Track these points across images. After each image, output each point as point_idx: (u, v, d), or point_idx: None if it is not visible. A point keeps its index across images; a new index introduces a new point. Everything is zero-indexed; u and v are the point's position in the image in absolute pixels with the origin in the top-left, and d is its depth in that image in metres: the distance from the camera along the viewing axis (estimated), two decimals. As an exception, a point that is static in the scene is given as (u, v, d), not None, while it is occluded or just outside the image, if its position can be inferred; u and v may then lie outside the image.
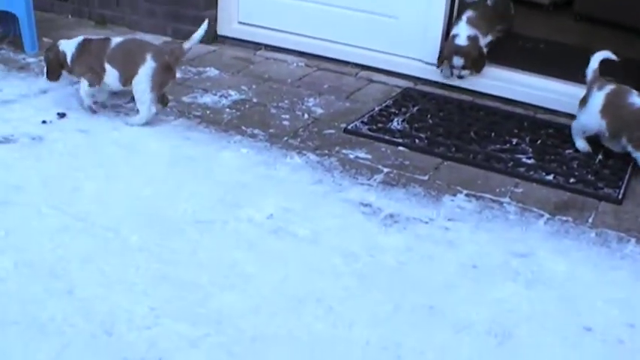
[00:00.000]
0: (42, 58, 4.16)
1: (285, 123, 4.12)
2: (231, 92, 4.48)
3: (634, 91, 3.81)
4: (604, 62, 3.96)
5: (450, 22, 4.77)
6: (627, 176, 3.78)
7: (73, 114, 3.99)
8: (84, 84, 3.94)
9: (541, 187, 3.65)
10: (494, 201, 3.48)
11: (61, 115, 3.95)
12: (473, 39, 4.58)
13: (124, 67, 3.83)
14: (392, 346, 2.50)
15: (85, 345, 2.39)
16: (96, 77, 3.90)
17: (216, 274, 2.79)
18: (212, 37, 5.27)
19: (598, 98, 3.84)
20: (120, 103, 4.12)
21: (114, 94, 4.09)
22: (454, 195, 3.50)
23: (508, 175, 3.73)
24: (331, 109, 4.36)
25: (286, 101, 4.42)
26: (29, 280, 2.67)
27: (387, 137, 4.02)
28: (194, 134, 3.89)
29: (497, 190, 3.58)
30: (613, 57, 3.95)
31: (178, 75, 4.54)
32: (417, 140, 4.01)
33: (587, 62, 4.00)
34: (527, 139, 4.13)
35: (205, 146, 3.77)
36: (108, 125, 3.91)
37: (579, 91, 4.12)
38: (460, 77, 4.65)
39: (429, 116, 4.34)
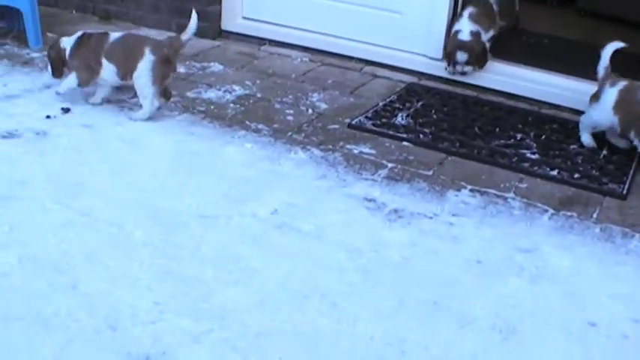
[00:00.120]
0: (46, 53, 4.16)
1: (290, 118, 4.11)
2: (236, 87, 4.47)
3: None
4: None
5: (454, 18, 4.77)
6: (632, 171, 3.78)
7: (77, 109, 3.99)
8: (72, 79, 3.96)
9: (545, 183, 3.64)
10: (498, 196, 3.47)
11: (65, 110, 3.95)
12: (476, 34, 4.59)
13: (123, 61, 3.85)
14: (396, 342, 2.49)
15: (89, 340, 2.39)
16: (88, 76, 3.93)
17: (221, 269, 2.79)
18: (216, 32, 5.27)
19: (611, 94, 3.82)
20: (124, 98, 4.12)
21: (117, 89, 4.09)
22: (458, 190, 3.50)
23: (512, 171, 3.73)
24: (335, 105, 4.36)
25: (290, 96, 4.42)
26: (33, 275, 2.67)
27: (391, 132, 4.02)
28: (198, 129, 3.89)
29: (502, 185, 3.58)
30: (622, 45, 3.91)
31: (182, 70, 4.56)
32: (421, 135, 4.01)
33: (590, 57, 3.99)
34: (532, 134, 4.12)
35: (209, 141, 3.77)
36: (112, 120, 3.91)
37: (583, 86, 4.11)
38: (463, 73, 4.65)
39: (433, 111, 4.33)
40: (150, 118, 3.90)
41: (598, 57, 3.92)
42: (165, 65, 3.84)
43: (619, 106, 3.79)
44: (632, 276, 2.96)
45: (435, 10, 4.76)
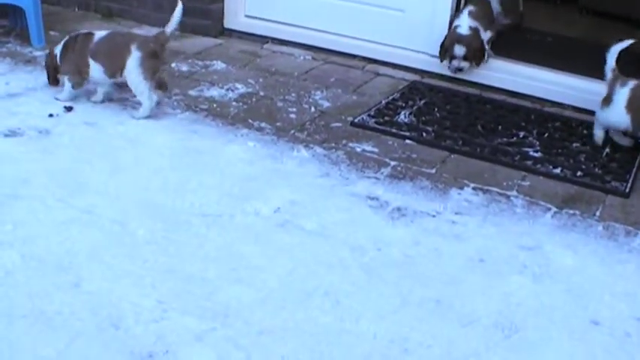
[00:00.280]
0: (48, 53, 4.16)
1: (292, 116, 4.11)
2: (238, 85, 4.47)
3: None
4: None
5: (455, 15, 4.77)
6: (635, 170, 3.77)
7: (80, 107, 4.00)
8: (67, 85, 4.00)
9: (548, 181, 3.64)
10: (501, 194, 3.47)
11: (68, 109, 3.95)
12: (474, 30, 4.61)
13: (109, 60, 3.88)
14: (399, 340, 2.49)
15: (92, 338, 2.40)
16: (79, 78, 3.95)
17: (224, 267, 2.79)
18: (219, 30, 5.27)
19: (623, 94, 3.81)
20: (127, 97, 4.12)
21: (119, 87, 4.09)
22: (461, 188, 3.50)
23: (515, 169, 3.72)
24: (338, 103, 4.35)
25: (293, 94, 4.42)
26: (36, 273, 2.68)
27: (394, 130, 4.01)
28: (201, 127, 3.89)
29: (505, 183, 3.57)
30: (627, 44, 3.89)
31: (185, 68, 4.58)
32: (424, 133, 4.01)
33: (593, 55, 3.98)
34: (535, 132, 4.12)
35: (212, 140, 3.77)
36: (114, 119, 3.91)
37: (586, 84, 4.10)
38: (459, 69, 4.64)
39: (435, 109, 4.33)
40: (152, 116, 3.90)
41: (602, 57, 3.91)
42: (153, 59, 3.87)
43: (631, 105, 3.78)
44: (635, 274, 2.96)
45: (438, 8, 4.77)
